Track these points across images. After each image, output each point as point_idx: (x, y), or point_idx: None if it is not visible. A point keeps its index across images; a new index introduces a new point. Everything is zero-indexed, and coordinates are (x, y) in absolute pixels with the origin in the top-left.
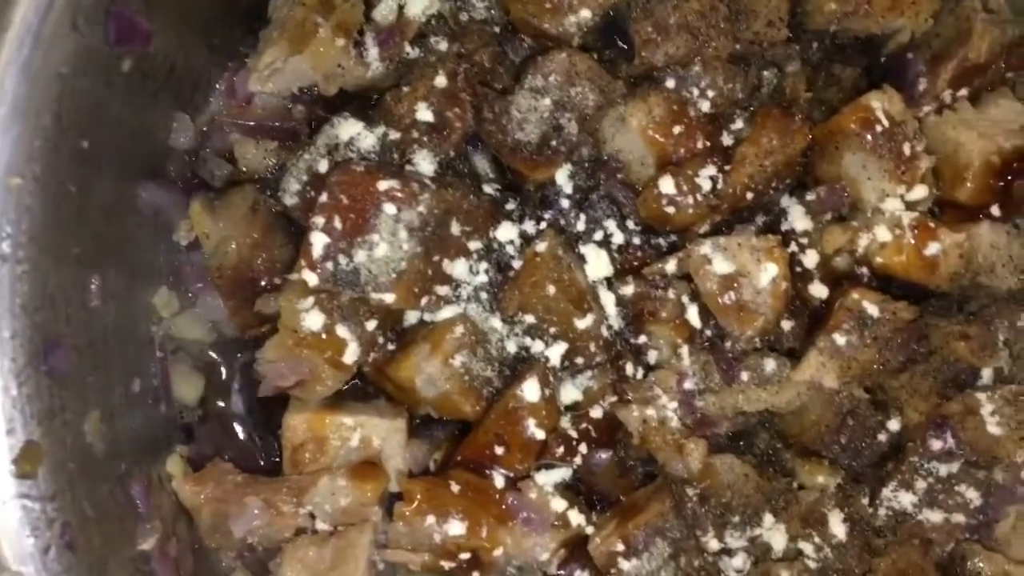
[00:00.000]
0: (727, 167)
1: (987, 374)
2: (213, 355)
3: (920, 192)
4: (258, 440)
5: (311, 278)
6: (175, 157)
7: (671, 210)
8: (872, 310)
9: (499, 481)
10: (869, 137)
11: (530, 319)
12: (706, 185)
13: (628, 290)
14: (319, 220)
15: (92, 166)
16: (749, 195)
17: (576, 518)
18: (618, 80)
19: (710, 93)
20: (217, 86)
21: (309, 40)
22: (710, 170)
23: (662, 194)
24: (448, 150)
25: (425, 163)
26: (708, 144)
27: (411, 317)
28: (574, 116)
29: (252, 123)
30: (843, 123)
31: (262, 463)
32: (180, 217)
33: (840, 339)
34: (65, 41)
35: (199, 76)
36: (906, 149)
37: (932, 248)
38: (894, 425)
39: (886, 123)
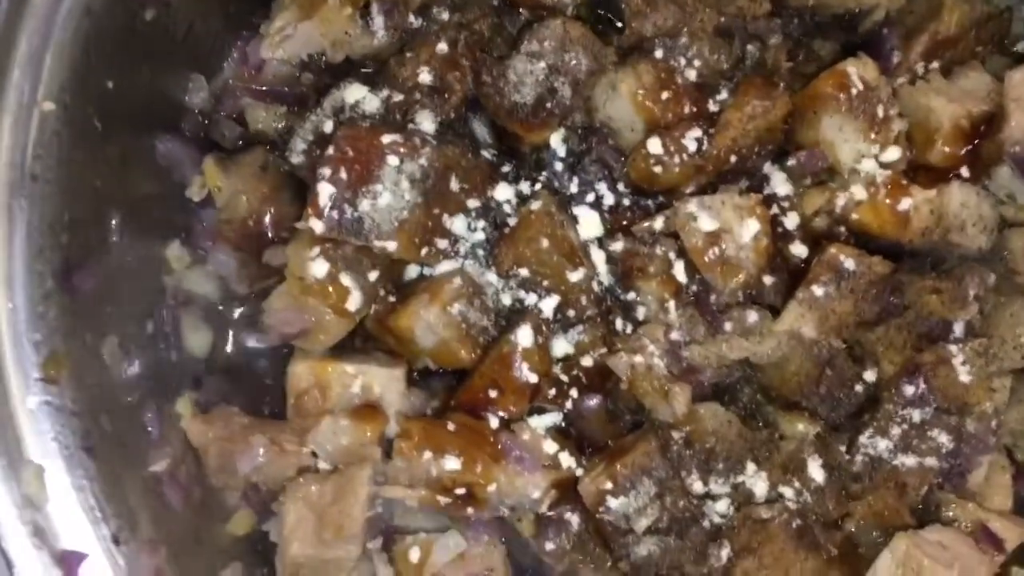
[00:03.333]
0: (712, 131)
1: (958, 328)
2: (221, 309)
3: (894, 153)
4: (263, 391)
5: (317, 225)
6: (190, 116)
7: (658, 170)
8: (849, 263)
9: (494, 422)
10: (844, 99)
11: (524, 272)
12: (692, 146)
13: (618, 247)
14: (326, 171)
15: (115, 107)
16: (733, 158)
17: (567, 460)
18: (609, 47)
19: (696, 63)
20: (232, 53)
21: (318, 7)
22: (696, 132)
23: (650, 154)
24: (448, 111)
25: (427, 122)
26: (695, 110)
27: (411, 272)
28: (568, 80)
29: (263, 88)
30: (820, 87)
31: (266, 412)
32: (193, 174)
33: (819, 291)
34: None
35: (214, 41)
36: (880, 111)
37: (904, 204)
38: (870, 376)
39: (861, 87)
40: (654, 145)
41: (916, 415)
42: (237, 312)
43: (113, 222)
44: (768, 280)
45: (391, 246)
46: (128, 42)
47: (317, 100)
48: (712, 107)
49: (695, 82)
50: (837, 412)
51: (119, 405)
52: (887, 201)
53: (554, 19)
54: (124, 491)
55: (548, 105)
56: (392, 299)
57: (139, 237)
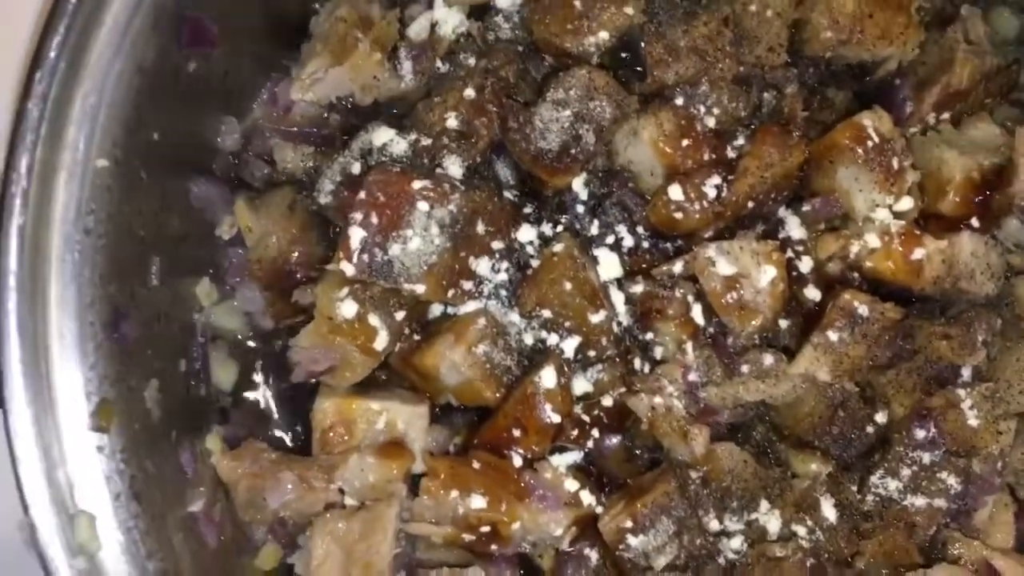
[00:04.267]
0: (730, 177)
1: (967, 372)
2: (248, 344)
3: (907, 203)
4: (287, 424)
5: (348, 268)
6: (221, 157)
7: (679, 216)
8: (862, 310)
9: (517, 461)
10: (861, 151)
11: (547, 313)
12: (711, 193)
13: (637, 289)
14: (357, 215)
15: (159, 157)
16: (750, 204)
17: (587, 498)
18: (632, 96)
19: (716, 111)
20: (262, 94)
21: (349, 53)
22: (715, 180)
23: (671, 200)
24: (475, 156)
25: (454, 167)
26: (714, 156)
27: (435, 310)
28: (592, 127)
29: (292, 129)
30: (837, 139)
31: (291, 446)
32: (224, 213)
33: (833, 336)
34: (148, 40)
35: (245, 84)
36: (894, 163)
37: (917, 253)
38: (881, 418)
39: (876, 139)
40: (675, 192)
41: (926, 457)
42: (263, 347)
43: (154, 267)
44: (783, 323)
45: (420, 289)
46: (173, 94)
47: (344, 141)
48: (730, 153)
49: (714, 129)
50: (848, 452)
51: (160, 447)
52: (900, 250)
53: (580, 68)
54: (167, 532)
55: (573, 151)
56: (417, 337)
57: (174, 277)
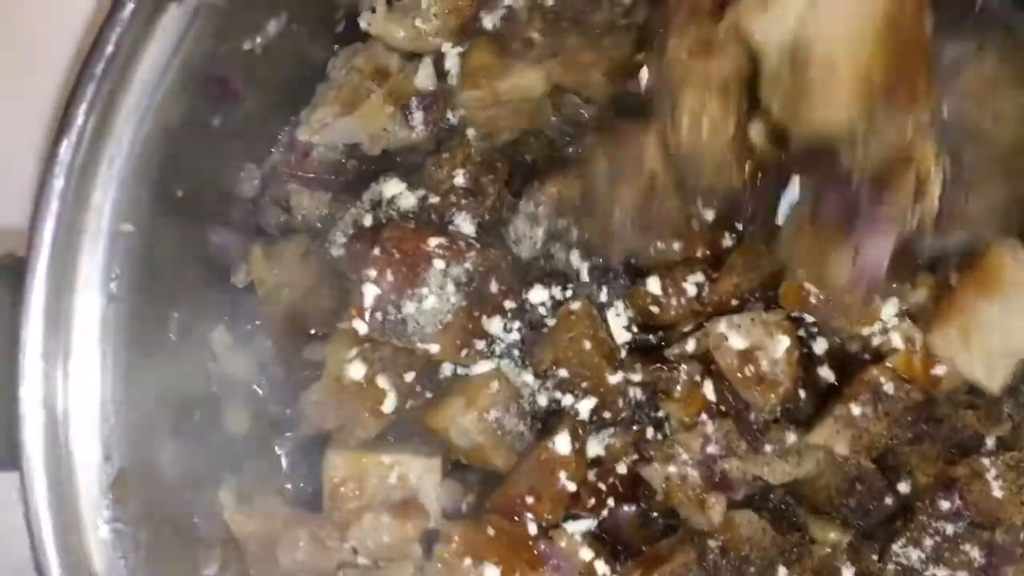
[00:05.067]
0: (715, 275)
1: (990, 441)
2: (260, 392)
3: (921, 295)
4: (299, 476)
5: (361, 327)
6: (239, 204)
7: (655, 309)
8: (888, 387)
9: (532, 528)
10: None
11: (563, 373)
12: (691, 291)
13: (637, 377)
14: (371, 272)
15: (182, 212)
16: (734, 301)
17: (602, 568)
18: None
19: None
20: (281, 139)
21: (360, 104)
22: (698, 276)
23: (648, 292)
24: (483, 214)
25: (466, 224)
26: (707, 252)
27: (446, 369)
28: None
29: (309, 175)
30: None
31: (301, 496)
32: (239, 261)
33: (856, 409)
34: (176, 100)
35: (266, 129)
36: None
37: (937, 370)
38: (903, 487)
39: None
40: (653, 285)
41: (949, 528)
42: (275, 396)
43: (172, 323)
44: (802, 393)
45: (434, 348)
46: (197, 149)
47: (358, 192)
48: (727, 241)
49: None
50: (867, 521)
51: (175, 510)
52: (920, 362)
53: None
54: None
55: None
56: (428, 395)
57: (190, 329)
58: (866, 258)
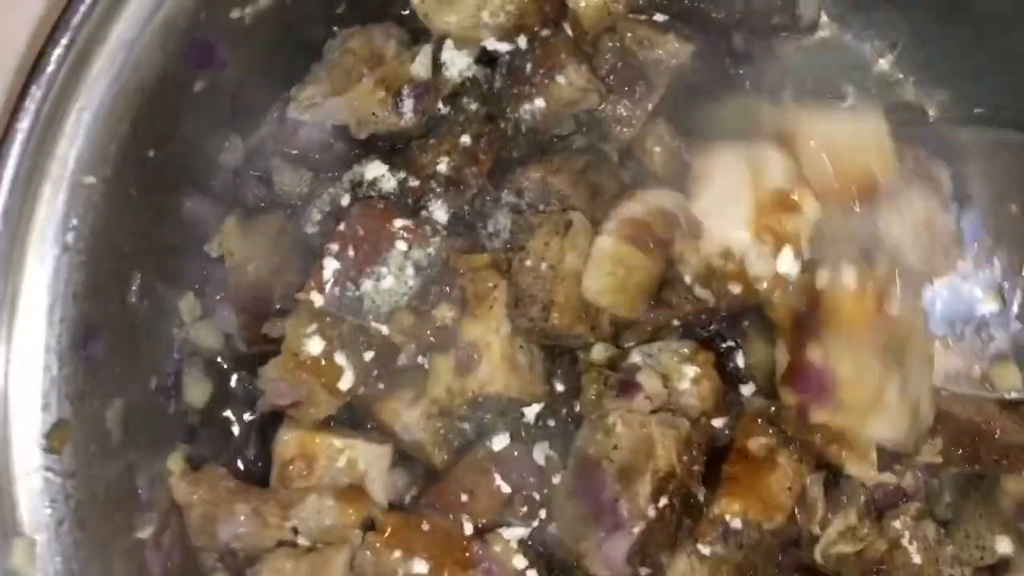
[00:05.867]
0: None
1: None
2: (223, 364)
3: None
4: (251, 451)
5: (317, 299)
6: (221, 175)
7: None
8: (735, 523)
9: (468, 528)
10: None
11: None
12: None
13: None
14: (333, 247)
15: (152, 174)
16: None
17: None
18: None
19: None
20: (273, 113)
21: (351, 87)
22: None
23: None
24: (462, 204)
25: (440, 212)
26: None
27: (403, 358)
28: None
29: (295, 151)
30: None
31: (252, 471)
32: (215, 230)
33: (705, 549)
34: (153, 60)
35: (255, 103)
36: None
37: None
38: None
39: None
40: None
41: None
42: (237, 370)
43: (134, 284)
44: None
45: (386, 329)
46: (175, 113)
47: (340, 172)
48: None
49: None
50: None
51: (115, 470)
52: None
53: None
54: (109, 559)
55: None
56: (381, 385)
57: (156, 292)
58: None
